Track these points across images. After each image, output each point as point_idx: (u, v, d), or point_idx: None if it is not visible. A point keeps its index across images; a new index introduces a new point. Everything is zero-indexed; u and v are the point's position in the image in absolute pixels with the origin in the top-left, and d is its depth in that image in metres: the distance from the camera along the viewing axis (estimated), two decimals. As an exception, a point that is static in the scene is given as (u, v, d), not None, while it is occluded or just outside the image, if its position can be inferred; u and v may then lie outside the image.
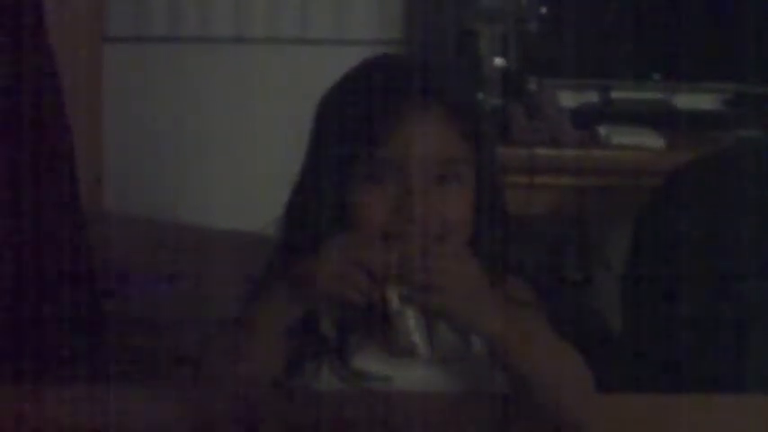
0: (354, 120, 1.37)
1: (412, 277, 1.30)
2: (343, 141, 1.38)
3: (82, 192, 2.22)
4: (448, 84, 1.44)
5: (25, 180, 2.08)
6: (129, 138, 3.25)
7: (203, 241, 2.73)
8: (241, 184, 3.21)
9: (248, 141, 3.25)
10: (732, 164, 2.17)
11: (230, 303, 1.41)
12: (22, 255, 2.07)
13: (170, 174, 3.28)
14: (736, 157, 2.29)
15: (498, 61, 2.94)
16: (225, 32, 3.28)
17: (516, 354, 1.33)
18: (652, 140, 2.89)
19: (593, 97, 3.21)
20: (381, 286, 1.31)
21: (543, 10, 3.01)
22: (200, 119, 3.27)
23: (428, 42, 3.18)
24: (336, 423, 1.35)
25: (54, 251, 2.12)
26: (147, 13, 3.27)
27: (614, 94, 3.19)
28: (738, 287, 1.95)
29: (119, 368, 1.92)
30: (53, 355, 2.00)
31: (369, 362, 1.43)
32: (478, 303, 1.32)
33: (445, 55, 3.02)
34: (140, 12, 3.27)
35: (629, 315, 2.13)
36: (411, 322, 1.32)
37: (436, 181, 1.37)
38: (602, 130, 2.92)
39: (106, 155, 3.23)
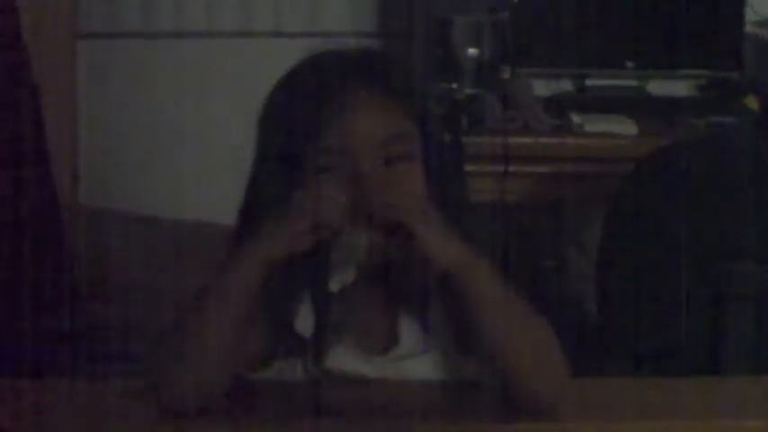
0: (295, 115, 1.39)
1: (371, 201, 1.33)
2: (289, 137, 1.39)
3: (59, 187, 2.23)
4: (384, 67, 1.46)
5: (2, 178, 2.08)
6: (105, 133, 3.25)
7: (177, 233, 2.74)
8: (216, 178, 3.21)
9: (223, 135, 3.25)
10: (703, 149, 2.18)
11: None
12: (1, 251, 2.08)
13: (145, 168, 3.28)
14: (707, 142, 2.31)
15: (472, 51, 2.95)
16: (198, 27, 3.28)
17: (471, 286, 1.33)
18: (625, 127, 2.91)
19: (566, 86, 3.23)
20: (344, 221, 1.33)
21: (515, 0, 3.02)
22: (174, 113, 3.27)
23: (402, 33, 3.20)
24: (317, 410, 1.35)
25: (32, 247, 2.12)
26: (120, 9, 3.27)
27: (588, 83, 3.21)
28: (711, 271, 1.96)
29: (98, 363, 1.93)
30: (34, 350, 2.00)
31: (342, 360, 1.42)
32: (437, 231, 1.32)
33: (417, 45, 3.04)
34: (113, 8, 3.26)
35: (603, 300, 2.15)
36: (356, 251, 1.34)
37: (384, 162, 1.38)
38: (576, 118, 2.94)
39: (82, 151, 3.23)
